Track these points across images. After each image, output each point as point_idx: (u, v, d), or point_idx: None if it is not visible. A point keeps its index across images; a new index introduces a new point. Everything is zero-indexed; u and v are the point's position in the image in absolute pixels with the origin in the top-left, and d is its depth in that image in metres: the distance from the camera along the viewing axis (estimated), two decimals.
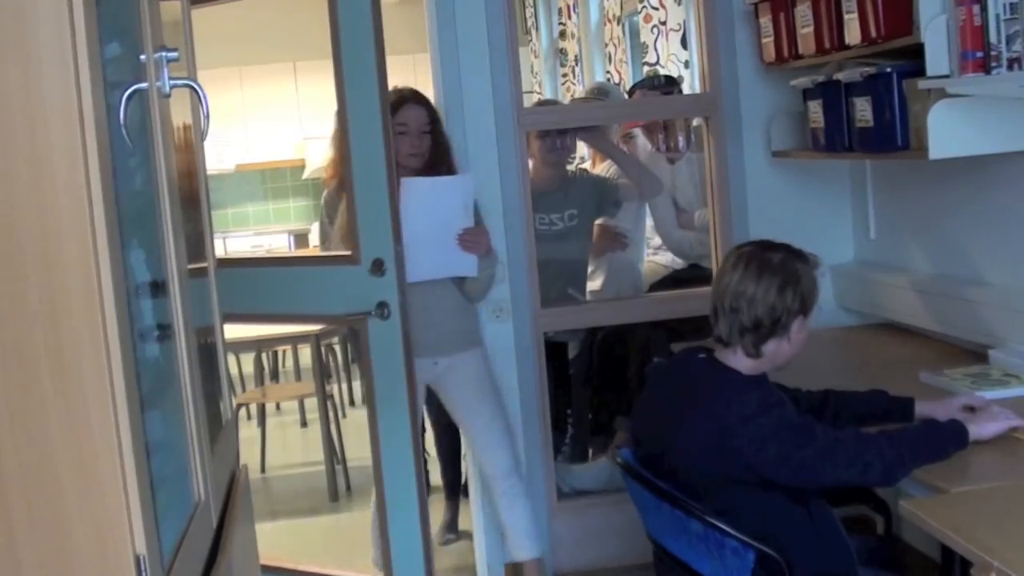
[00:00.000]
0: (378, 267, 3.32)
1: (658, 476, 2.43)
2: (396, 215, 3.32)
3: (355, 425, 6.23)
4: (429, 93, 3.82)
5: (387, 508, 3.47)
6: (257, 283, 3.60)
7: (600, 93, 4.67)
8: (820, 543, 2.37)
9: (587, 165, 4.97)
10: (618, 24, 6.46)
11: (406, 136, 3.49)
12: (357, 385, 6.87)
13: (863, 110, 3.07)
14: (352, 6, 3.27)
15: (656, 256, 4.64)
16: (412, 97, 3.56)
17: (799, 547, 2.31)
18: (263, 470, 5.70)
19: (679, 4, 5.41)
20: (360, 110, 3.33)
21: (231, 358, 6.47)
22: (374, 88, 3.30)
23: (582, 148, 5.14)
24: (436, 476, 4.66)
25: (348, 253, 3.40)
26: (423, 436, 3.82)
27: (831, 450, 2.28)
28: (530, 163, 4.02)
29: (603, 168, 4.50)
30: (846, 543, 2.41)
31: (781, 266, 2.39)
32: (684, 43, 5.36)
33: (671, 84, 4.54)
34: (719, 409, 2.31)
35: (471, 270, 3.56)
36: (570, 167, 4.47)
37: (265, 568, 3.70)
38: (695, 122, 4.38)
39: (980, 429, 2.37)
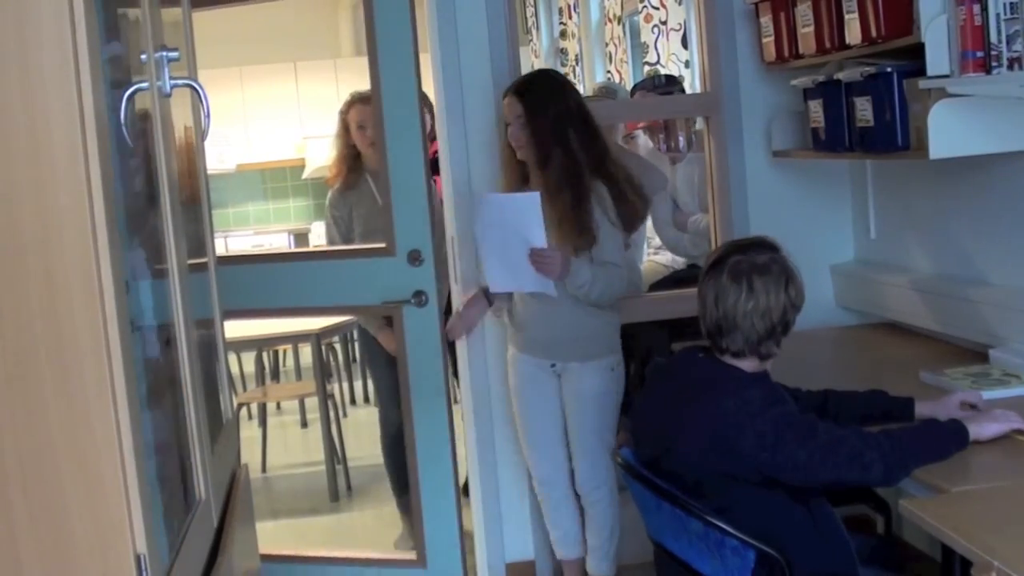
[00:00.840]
0: (415, 258, 3.50)
1: (658, 475, 2.43)
2: (432, 207, 3.52)
3: (355, 425, 6.24)
4: (430, 92, 3.83)
5: (421, 495, 3.62)
6: (294, 277, 3.70)
7: (608, 92, 4.67)
8: (821, 542, 2.37)
9: None
10: (618, 24, 6.47)
11: (511, 128, 3.38)
12: (358, 385, 6.88)
13: (863, 110, 3.07)
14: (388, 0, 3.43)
15: (656, 256, 4.64)
16: (513, 90, 3.40)
17: (800, 546, 2.31)
18: (264, 470, 5.70)
19: (679, 4, 5.41)
20: (396, 104, 3.49)
21: (232, 357, 6.48)
22: (411, 81, 3.48)
23: None
24: None
25: (383, 245, 3.57)
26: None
27: (833, 448, 2.28)
28: None
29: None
30: (847, 542, 2.41)
31: (774, 266, 2.40)
32: (684, 43, 5.36)
33: (671, 84, 4.53)
34: (721, 407, 2.31)
35: (548, 288, 3.33)
36: None
37: (268, 557, 3.81)
38: (697, 123, 4.38)
39: (980, 429, 2.37)
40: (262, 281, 3.64)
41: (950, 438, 2.34)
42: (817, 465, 2.27)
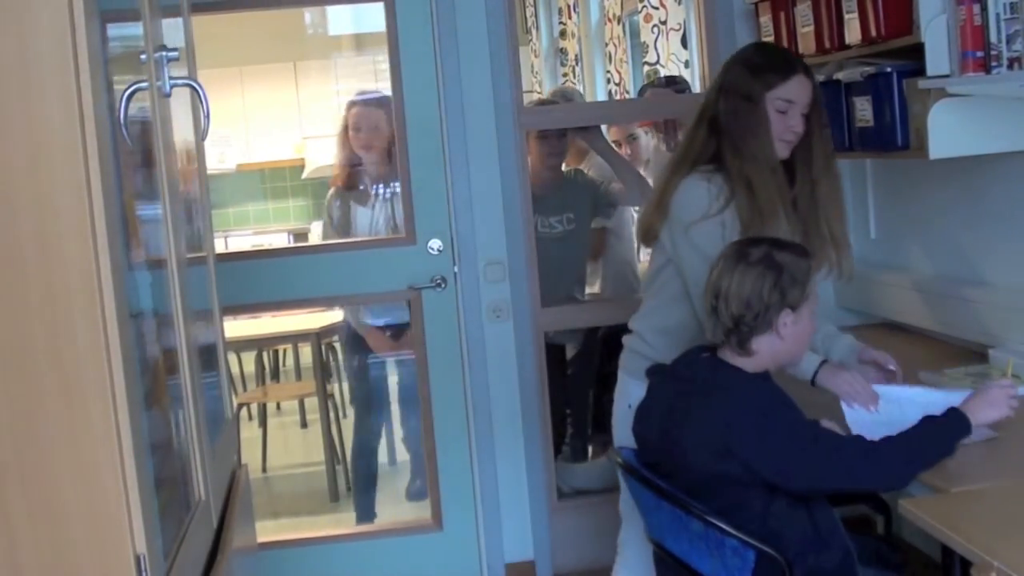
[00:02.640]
0: (434, 247, 3.78)
1: (663, 477, 2.42)
2: (449, 200, 3.73)
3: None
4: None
5: (437, 458, 3.85)
6: (320, 268, 3.86)
7: (562, 97, 4.71)
8: (820, 543, 2.36)
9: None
10: (618, 23, 6.46)
11: (784, 116, 2.64)
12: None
13: (863, 110, 3.07)
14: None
15: None
16: (803, 68, 2.69)
17: (800, 547, 2.30)
18: (264, 470, 5.70)
19: (679, 3, 5.41)
20: (417, 102, 3.71)
21: (232, 357, 6.48)
22: (431, 79, 3.71)
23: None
24: None
25: (403, 236, 3.84)
26: None
27: (838, 453, 2.26)
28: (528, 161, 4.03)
29: (585, 165, 4.52)
30: (847, 543, 2.40)
31: (760, 259, 2.31)
32: (684, 43, 5.36)
33: (671, 83, 4.53)
34: (725, 409, 2.30)
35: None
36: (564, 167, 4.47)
37: (288, 542, 3.91)
38: None
39: (980, 416, 2.32)
40: (290, 273, 3.84)
41: (952, 432, 2.30)
42: (822, 470, 2.25)
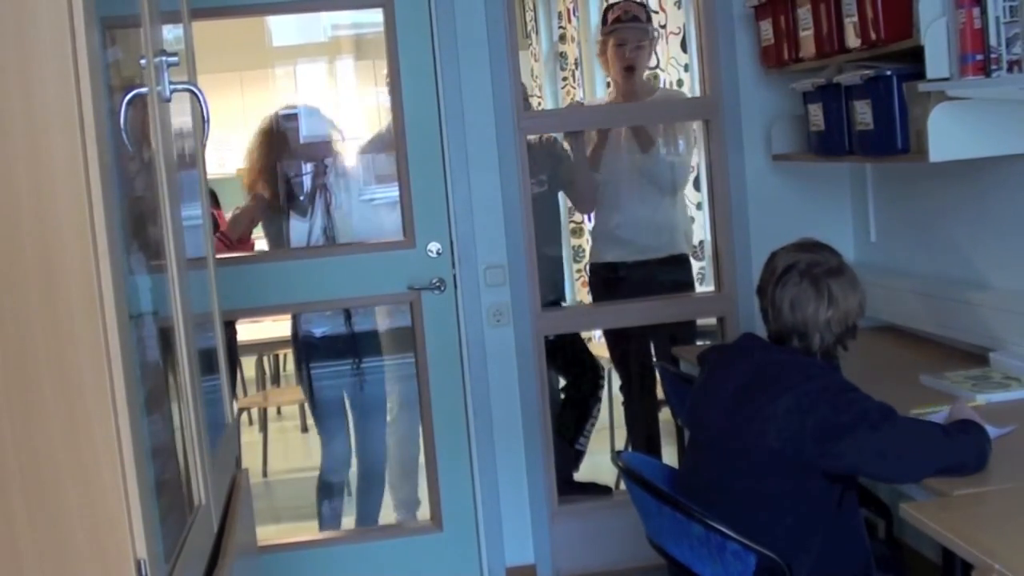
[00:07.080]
0: (433, 250, 3.81)
1: (723, 456, 2.41)
2: (448, 204, 3.76)
3: None
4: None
5: (437, 460, 3.88)
6: (316, 272, 3.85)
7: None
8: (843, 548, 2.37)
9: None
10: None
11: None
12: None
13: (863, 113, 3.07)
14: (408, 2, 3.68)
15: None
16: None
17: (824, 549, 2.31)
18: (265, 474, 5.70)
19: (679, 7, 5.42)
20: (417, 101, 3.75)
21: None
22: (431, 78, 3.73)
23: None
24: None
25: (402, 239, 3.85)
26: None
27: (920, 431, 2.27)
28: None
29: None
30: (868, 552, 2.40)
31: (846, 269, 2.43)
32: (684, 47, 5.36)
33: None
34: (813, 384, 2.30)
35: None
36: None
37: (289, 545, 3.93)
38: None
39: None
40: (290, 277, 3.84)
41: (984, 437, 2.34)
42: (900, 452, 2.24)
